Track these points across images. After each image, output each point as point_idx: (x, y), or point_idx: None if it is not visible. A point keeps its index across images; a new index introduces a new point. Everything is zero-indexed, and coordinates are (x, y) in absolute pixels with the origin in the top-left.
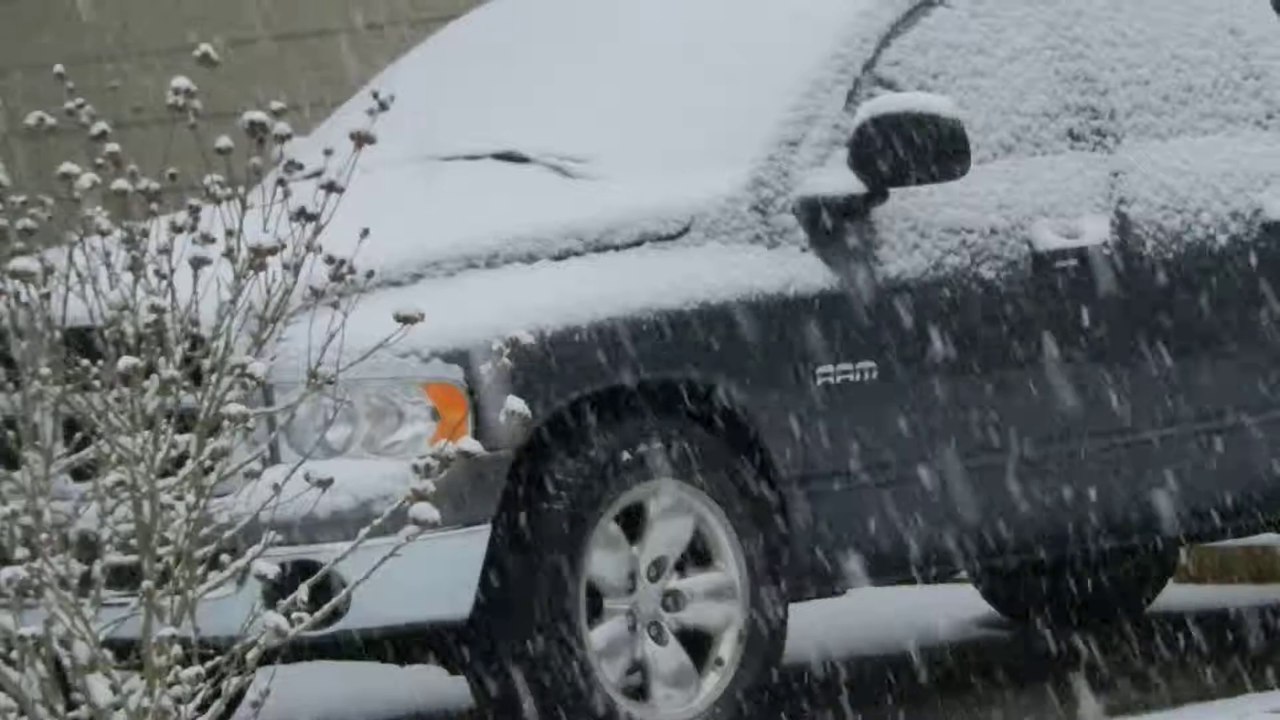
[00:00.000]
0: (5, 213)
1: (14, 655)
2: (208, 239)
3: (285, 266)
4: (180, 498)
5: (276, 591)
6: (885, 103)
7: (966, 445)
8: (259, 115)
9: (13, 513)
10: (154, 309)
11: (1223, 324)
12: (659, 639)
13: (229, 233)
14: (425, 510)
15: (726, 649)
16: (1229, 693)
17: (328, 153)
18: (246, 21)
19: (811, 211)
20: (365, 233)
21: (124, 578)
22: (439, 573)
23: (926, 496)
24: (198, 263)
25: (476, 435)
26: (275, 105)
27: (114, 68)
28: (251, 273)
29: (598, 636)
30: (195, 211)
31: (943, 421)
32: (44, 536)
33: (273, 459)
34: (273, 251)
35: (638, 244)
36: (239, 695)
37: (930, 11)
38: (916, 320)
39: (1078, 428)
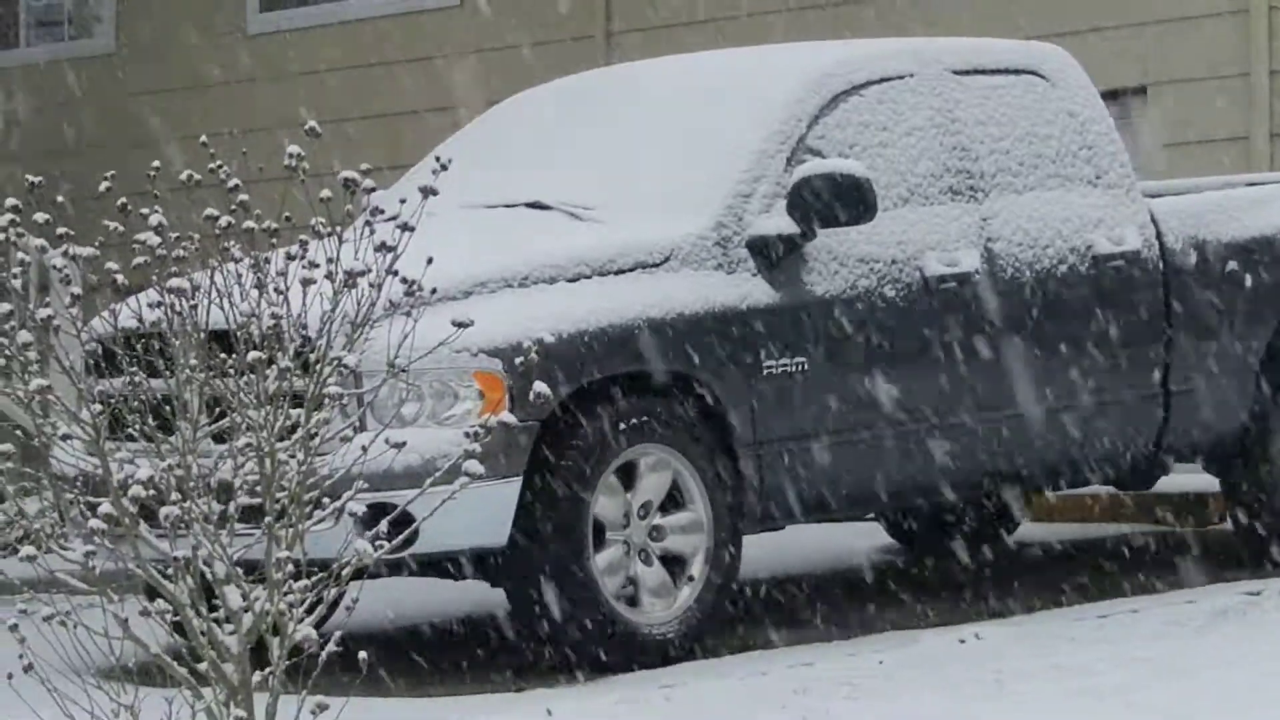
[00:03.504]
0: (165, 245)
1: (170, 571)
2: (313, 265)
3: (371, 285)
4: (293, 456)
5: (363, 525)
6: (814, 166)
7: (874, 419)
8: (352, 174)
9: (169, 466)
10: (274, 316)
11: (1063, 330)
12: (646, 561)
13: (329, 260)
14: (474, 465)
15: (696, 569)
16: (1075, 601)
17: (402, 202)
18: (342, 103)
19: (760, 246)
20: (430, 261)
21: (251, 514)
22: (484, 512)
23: (844, 457)
24: (306, 282)
25: (512, 410)
26: (363, 166)
27: (245, 136)
28: (346, 290)
29: (601, 560)
30: (304, 245)
31: (856, 401)
32: (192, 484)
33: (361, 427)
34: (362, 274)
35: (632, 270)
36: (336, 601)
37: (848, 99)
38: (836, 327)
39: (957, 407)
